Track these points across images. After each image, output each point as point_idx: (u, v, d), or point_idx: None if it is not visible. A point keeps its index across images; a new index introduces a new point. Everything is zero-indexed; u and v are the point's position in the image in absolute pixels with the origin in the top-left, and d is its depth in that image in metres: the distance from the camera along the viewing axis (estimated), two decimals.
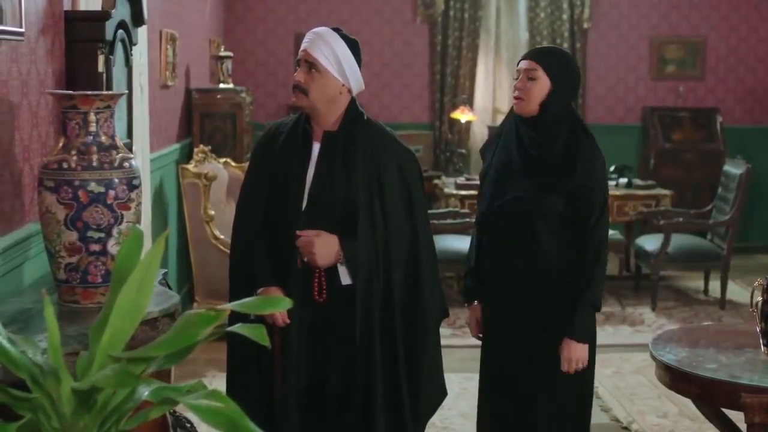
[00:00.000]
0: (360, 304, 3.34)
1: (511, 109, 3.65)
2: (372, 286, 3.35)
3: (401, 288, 3.38)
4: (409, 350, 3.39)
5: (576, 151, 3.49)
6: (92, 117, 2.91)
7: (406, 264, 3.39)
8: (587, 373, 3.57)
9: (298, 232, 3.33)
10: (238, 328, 1.92)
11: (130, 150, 3.94)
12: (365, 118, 3.49)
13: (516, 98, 3.55)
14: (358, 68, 3.47)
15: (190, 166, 6.66)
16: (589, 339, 3.50)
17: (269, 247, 3.41)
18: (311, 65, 3.36)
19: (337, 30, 3.46)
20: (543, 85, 3.49)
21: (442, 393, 3.54)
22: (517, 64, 3.62)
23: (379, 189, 3.37)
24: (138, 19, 4.25)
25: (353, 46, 3.46)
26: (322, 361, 3.40)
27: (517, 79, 3.57)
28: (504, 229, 3.56)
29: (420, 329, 3.41)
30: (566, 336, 3.48)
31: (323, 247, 3.31)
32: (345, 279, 3.37)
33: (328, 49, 3.38)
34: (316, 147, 3.42)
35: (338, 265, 3.35)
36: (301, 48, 3.41)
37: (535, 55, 3.57)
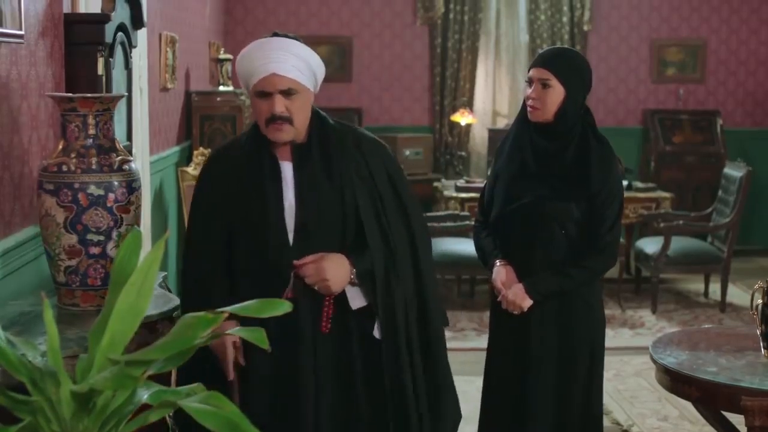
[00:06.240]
0: (385, 325, 2.93)
1: (521, 112, 3.62)
2: (394, 301, 2.93)
3: (410, 303, 3.00)
4: (427, 368, 3.02)
5: (588, 159, 3.47)
6: (92, 120, 2.91)
7: (411, 276, 3.00)
8: (594, 388, 3.58)
9: (296, 263, 2.86)
10: (238, 330, 1.92)
11: (130, 153, 3.93)
12: (332, 122, 3.03)
13: (531, 107, 3.51)
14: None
15: (190, 169, 6.65)
16: (536, 300, 3.49)
17: (227, 291, 2.91)
18: (289, 90, 2.85)
19: (276, 35, 2.94)
20: (557, 92, 3.46)
21: (458, 414, 3.15)
22: (528, 71, 3.58)
23: (379, 196, 2.98)
24: (138, 21, 4.25)
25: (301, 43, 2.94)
26: (348, 408, 2.97)
27: (530, 86, 3.52)
28: (519, 232, 3.55)
29: (433, 343, 3.05)
30: (523, 281, 3.49)
31: (335, 269, 2.87)
32: (356, 302, 2.94)
33: (299, 61, 2.87)
34: (286, 167, 2.95)
35: (347, 287, 2.92)
36: (265, 72, 2.83)
37: (547, 61, 3.50)
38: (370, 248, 2.92)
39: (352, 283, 2.91)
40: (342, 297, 2.93)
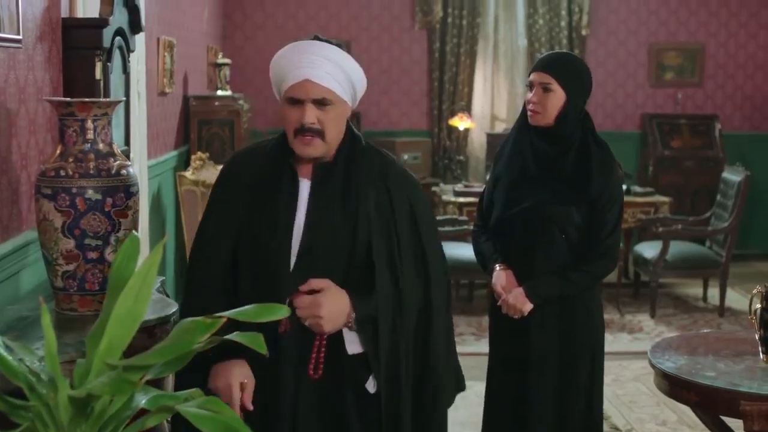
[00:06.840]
0: (387, 379, 2.59)
1: (521, 116, 3.62)
2: (399, 354, 2.60)
3: (412, 359, 2.65)
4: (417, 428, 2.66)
5: (589, 164, 3.48)
6: (90, 124, 2.91)
7: (416, 329, 2.66)
8: (595, 393, 3.58)
9: (301, 289, 2.57)
10: (235, 335, 1.91)
11: (128, 157, 3.93)
12: (364, 143, 2.75)
13: (531, 111, 3.52)
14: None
15: (188, 173, 6.65)
16: (536, 304, 3.49)
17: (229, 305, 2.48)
18: (323, 99, 2.57)
19: (318, 39, 2.65)
20: (558, 96, 3.47)
21: None
22: (528, 75, 3.59)
23: (396, 235, 2.65)
24: (136, 26, 4.24)
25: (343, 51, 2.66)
26: None
27: (531, 90, 3.53)
28: (519, 236, 3.55)
29: (427, 409, 2.68)
30: (523, 284, 3.49)
31: (332, 305, 2.55)
32: (352, 347, 2.62)
33: (336, 68, 2.59)
34: (304, 185, 2.67)
35: (344, 329, 2.61)
36: (297, 77, 2.56)
37: (548, 65, 3.52)
38: (377, 292, 2.60)
39: (349, 327, 2.60)
40: (337, 339, 2.62)
